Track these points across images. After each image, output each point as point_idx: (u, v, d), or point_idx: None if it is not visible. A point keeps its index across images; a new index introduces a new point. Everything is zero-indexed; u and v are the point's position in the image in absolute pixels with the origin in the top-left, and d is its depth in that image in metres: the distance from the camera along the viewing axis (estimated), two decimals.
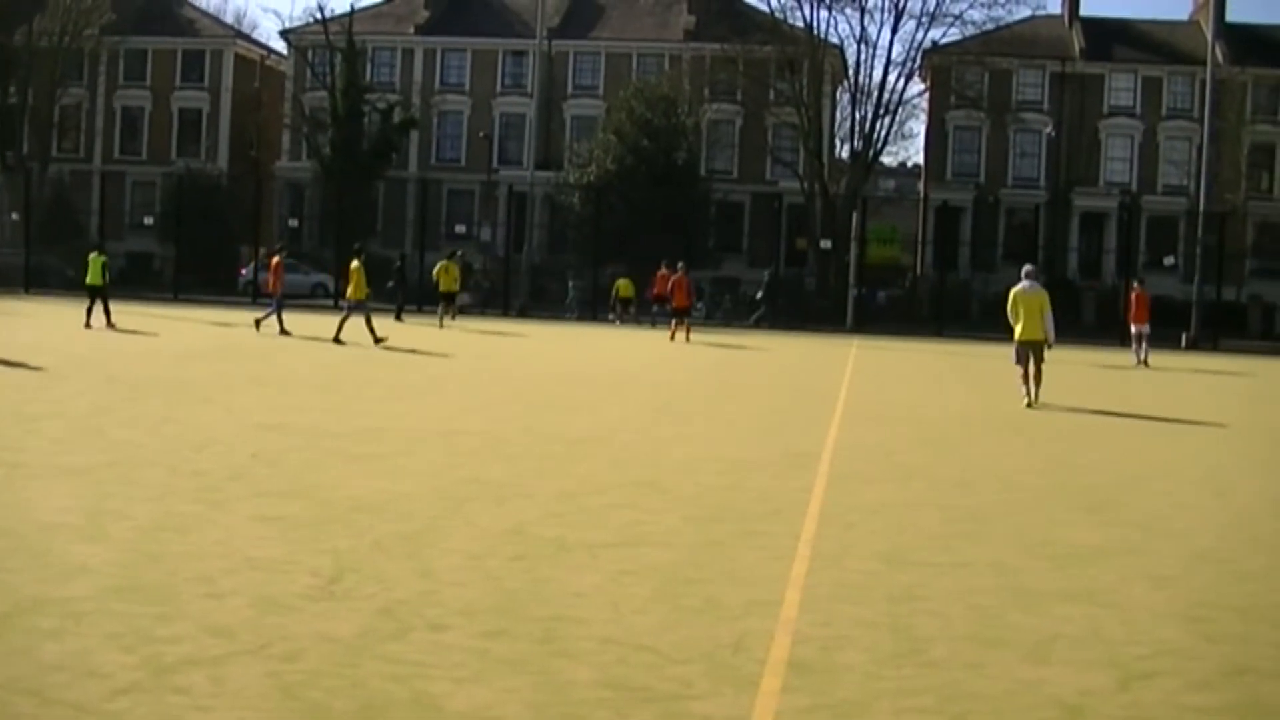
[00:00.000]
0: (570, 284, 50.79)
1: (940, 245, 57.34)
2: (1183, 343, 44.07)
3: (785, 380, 24.94)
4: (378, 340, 28.02)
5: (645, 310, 43.88)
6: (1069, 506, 10.98)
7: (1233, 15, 63.95)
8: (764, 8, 60.20)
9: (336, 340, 27.80)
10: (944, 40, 60.22)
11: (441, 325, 36.66)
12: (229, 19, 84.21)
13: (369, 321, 29.05)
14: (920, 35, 59.40)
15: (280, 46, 72.82)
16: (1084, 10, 68.86)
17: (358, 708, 5.25)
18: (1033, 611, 7.29)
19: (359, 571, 7.52)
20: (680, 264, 38.86)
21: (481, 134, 66.42)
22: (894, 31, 60.25)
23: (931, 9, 58.70)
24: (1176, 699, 5.87)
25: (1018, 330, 20.66)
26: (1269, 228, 62.10)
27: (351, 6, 65.59)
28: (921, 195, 65.77)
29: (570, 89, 68.21)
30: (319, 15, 63.75)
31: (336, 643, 6.09)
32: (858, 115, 59.98)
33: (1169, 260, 55.52)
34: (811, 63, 58.49)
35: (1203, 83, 55.48)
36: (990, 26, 59.31)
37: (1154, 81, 65.01)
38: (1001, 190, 64.62)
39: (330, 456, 11.87)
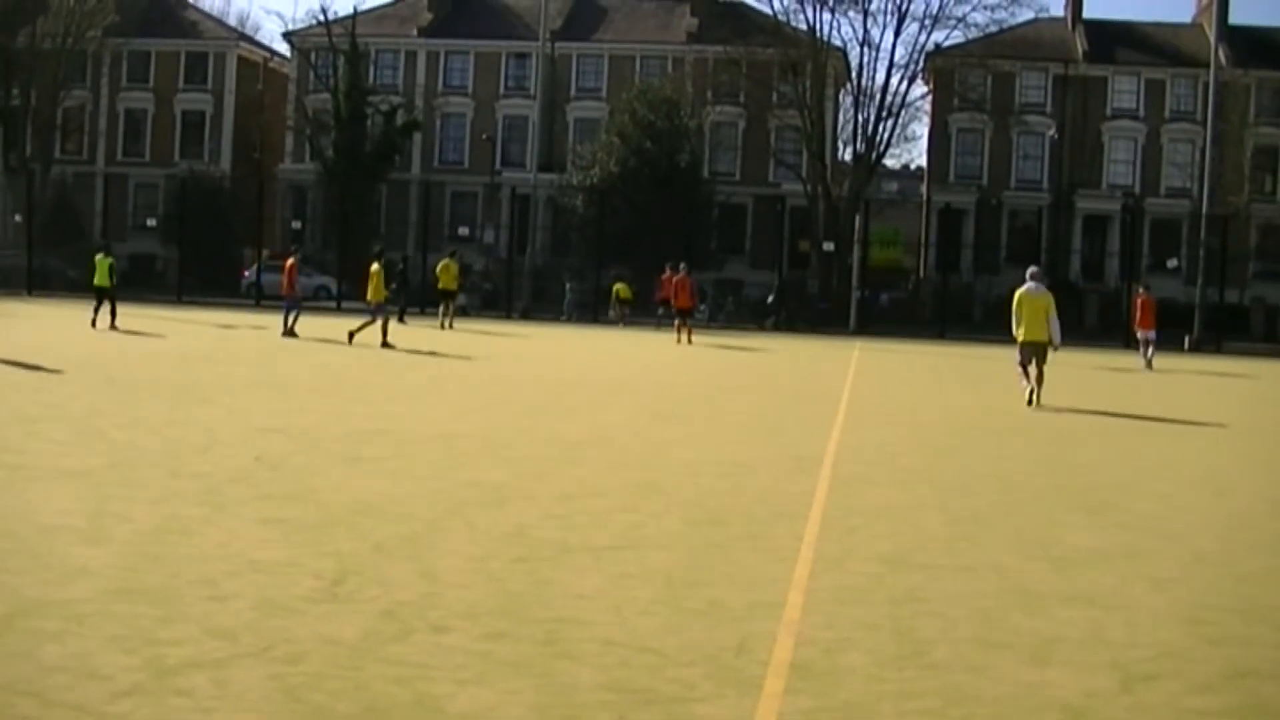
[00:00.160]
0: (568, 286, 50.78)
1: (943, 248, 57.31)
2: (1185, 345, 44.10)
3: (788, 382, 24.94)
4: (384, 344, 28.05)
5: (651, 313, 43.84)
6: (1070, 508, 10.97)
7: (1236, 17, 63.96)
8: (767, 10, 60.30)
9: (384, 345, 27.98)
10: (947, 43, 60.29)
11: (442, 327, 36.65)
12: (232, 21, 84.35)
13: (384, 324, 29.12)
14: (923, 38, 59.50)
15: (283, 48, 72.96)
16: (1087, 12, 68.91)
17: (360, 710, 5.25)
18: (1035, 614, 7.28)
19: (361, 574, 7.51)
20: (682, 265, 38.88)
21: (484, 136, 66.45)
22: (897, 34, 60.48)
23: (934, 11, 58.81)
24: (1179, 701, 5.87)
25: (1021, 331, 20.65)
26: (1272, 230, 62.10)
27: (354, 9, 65.82)
28: (924, 198, 65.76)
29: (573, 91, 68.25)
30: (322, 17, 63.89)
31: (339, 645, 6.08)
32: (860, 118, 60.03)
33: (1172, 263, 55.49)
34: (814, 65, 58.51)
35: (1206, 85, 55.54)
36: (993, 29, 59.34)
37: (1157, 84, 65.02)
38: (1004, 193, 64.63)
39: (332, 459, 11.87)
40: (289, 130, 68.90)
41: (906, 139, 65.60)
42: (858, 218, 52.21)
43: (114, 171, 67.57)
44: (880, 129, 59.17)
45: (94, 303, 31.50)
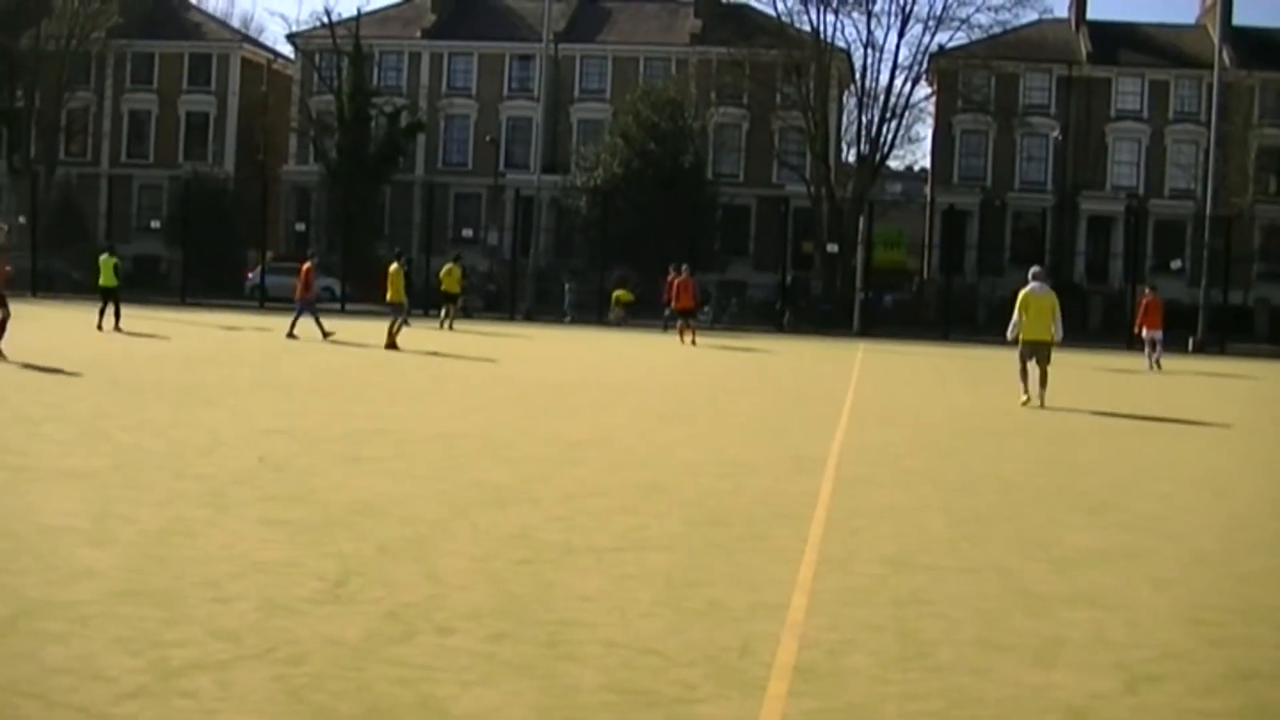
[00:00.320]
0: (567, 287, 50.78)
1: (947, 249, 57.36)
2: (1189, 346, 44.08)
3: (791, 383, 24.95)
4: (390, 345, 28.08)
5: (657, 314, 43.81)
6: (1072, 509, 10.97)
7: (1239, 19, 64.02)
8: (770, 12, 60.43)
9: (390, 346, 28.04)
10: (950, 44, 60.36)
11: (442, 328, 36.67)
12: (235, 23, 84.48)
13: (392, 326, 29.16)
14: (927, 39, 59.57)
15: (287, 50, 73.05)
16: (1090, 14, 68.91)
17: (364, 711, 5.25)
18: (1038, 615, 7.28)
19: (364, 575, 7.52)
20: (684, 266, 38.88)
21: (488, 138, 66.47)
22: (900, 35, 60.54)
23: (938, 13, 58.91)
24: (1183, 703, 5.87)
25: (1024, 331, 20.69)
26: (1276, 231, 62.11)
27: (358, 10, 65.81)
28: (928, 199, 65.82)
29: (577, 92, 68.31)
30: (326, 19, 64.04)
31: (342, 646, 6.09)
32: (864, 119, 60.09)
33: (1176, 264, 55.48)
34: (818, 66, 58.54)
35: (1209, 86, 55.57)
36: (997, 30, 59.40)
37: (1161, 85, 65.02)
38: (1008, 194, 64.64)
39: (335, 460, 11.88)
40: (293, 132, 68.99)
41: (910, 140, 65.70)
42: (861, 219, 52.19)
43: (118, 173, 67.67)
44: (884, 130, 59.25)
45: (99, 304, 31.55)
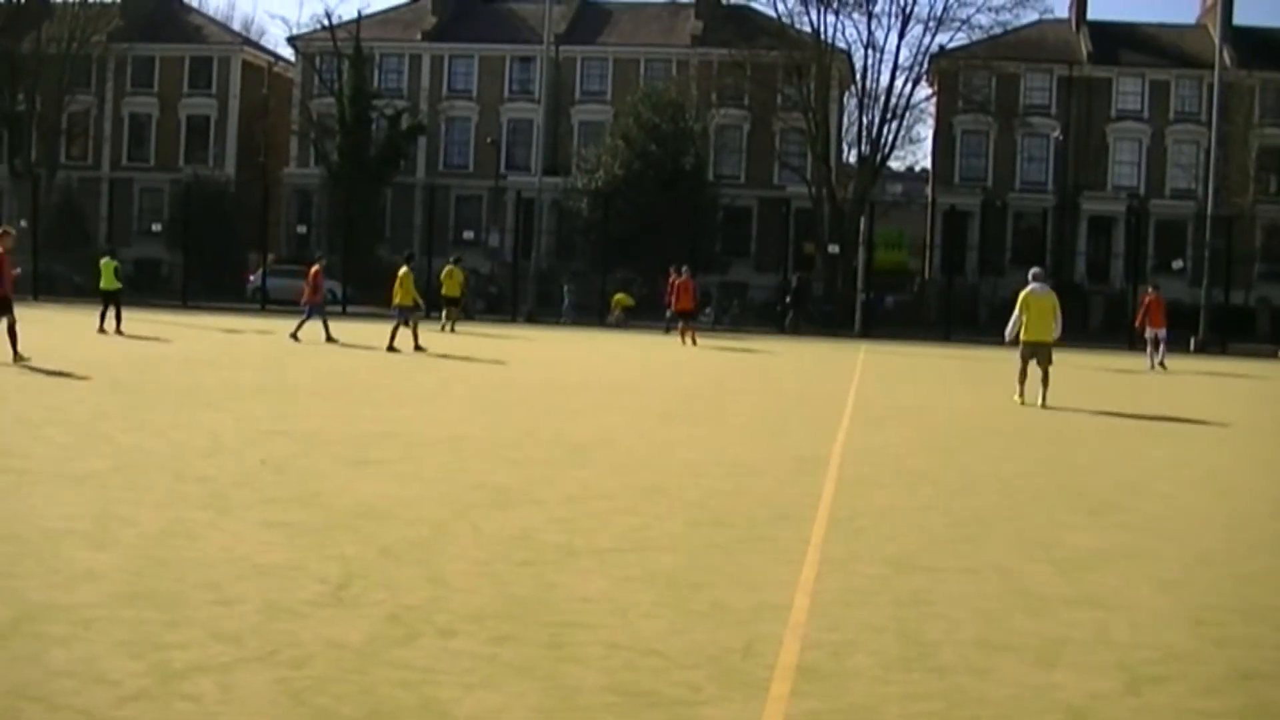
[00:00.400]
0: (565, 289, 50.74)
1: (948, 250, 57.32)
2: (1191, 346, 44.06)
3: (793, 384, 24.95)
4: (390, 347, 28.09)
5: (659, 316, 43.80)
6: (1073, 509, 10.97)
7: (1240, 18, 64.03)
8: (771, 13, 60.36)
9: (390, 348, 28.10)
10: (951, 45, 60.34)
11: (444, 330, 36.67)
12: (236, 26, 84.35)
13: (400, 327, 29.21)
14: (927, 40, 59.55)
15: (288, 53, 73.08)
16: (1091, 14, 68.91)
17: (366, 714, 5.26)
18: (1039, 616, 7.28)
19: (367, 577, 7.52)
20: (684, 267, 38.92)
21: (489, 140, 66.51)
22: (901, 36, 60.56)
23: (939, 14, 58.92)
24: (1185, 703, 5.87)
25: (1025, 332, 20.73)
26: (1277, 231, 62.12)
27: (359, 13, 65.79)
28: (929, 200, 65.80)
29: (578, 94, 68.34)
30: (326, 22, 63.95)
31: (345, 649, 6.09)
32: (865, 120, 60.09)
33: (1177, 264, 55.47)
34: (819, 68, 58.54)
35: (1210, 86, 55.53)
36: (997, 31, 59.39)
37: (1161, 85, 65.02)
38: (1009, 194, 64.65)
39: (337, 462, 11.88)
40: (293, 134, 69.02)
41: (911, 141, 65.68)
42: (862, 220, 52.18)
43: (119, 176, 67.68)
44: (885, 131, 59.25)
45: (100, 307, 31.60)
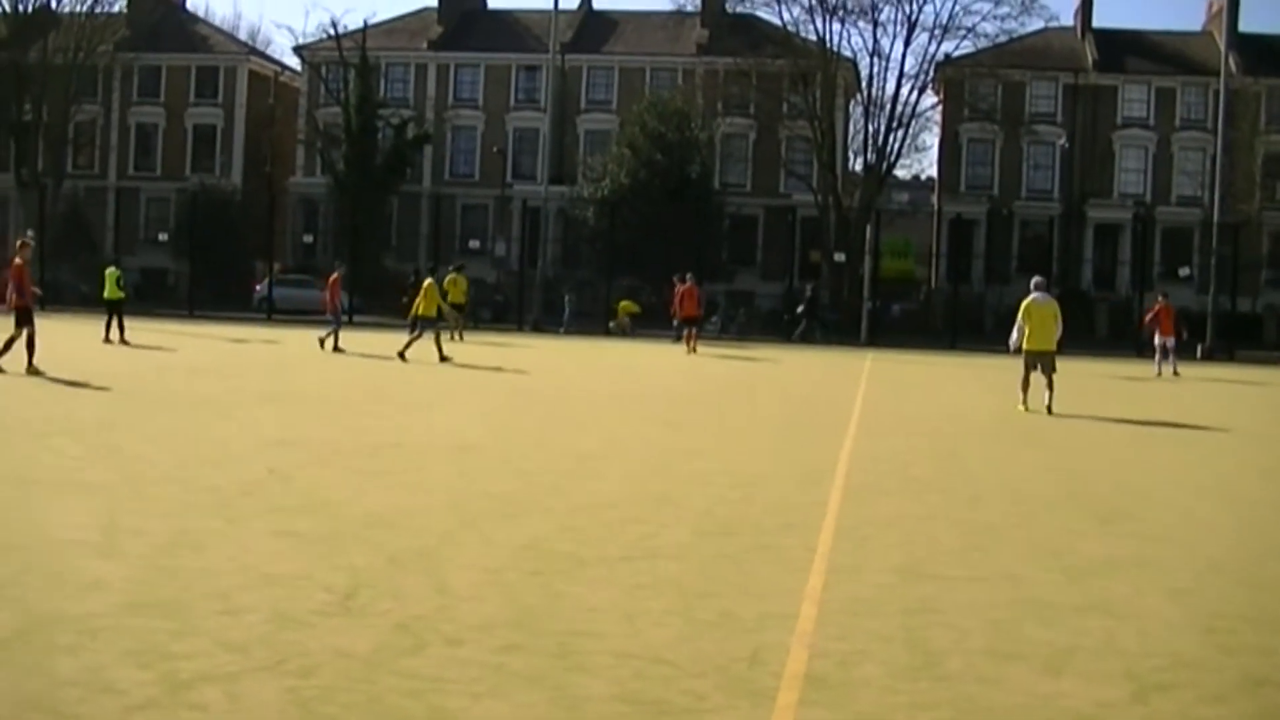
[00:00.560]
0: (566, 298, 50.78)
1: (954, 258, 57.32)
2: (1198, 353, 44.01)
3: (799, 393, 24.94)
4: (402, 355, 28.09)
5: (666, 325, 43.79)
6: (1082, 517, 10.96)
7: (1245, 25, 64.05)
8: (776, 21, 60.35)
9: (401, 356, 28.03)
10: (957, 53, 60.31)
11: (452, 339, 36.65)
12: (243, 35, 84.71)
13: (418, 337, 29.20)
14: (933, 48, 59.64)
15: (294, 62, 73.16)
16: (1096, 22, 68.86)
17: None
18: (1048, 624, 7.27)
19: (374, 587, 7.52)
20: (689, 275, 38.95)
21: (495, 149, 66.55)
22: (907, 44, 60.49)
23: (944, 21, 58.95)
24: (1193, 711, 5.86)
25: (1027, 341, 20.79)
26: None
27: (365, 22, 65.82)
28: (935, 208, 65.79)
29: (584, 103, 68.38)
30: (332, 31, 64.00)
31: (352, 658, 6.09)
32: (871, 128, 60.17)
33: (1184, 271, 55.43)
34: (824, 76, 58.57)
35: (1216, 93, 55.44)
36: (1003, 39, 59.46)
37: (1167, 92, 64.97)
38: (1015, 202, 64.60)
39: (344, 471, 11.88)
40: (300, 144, 69.06)
41: (917, 149, 65.97)
42: (868, 228, 52.17)
43: (125, 186, 67.67)
44: (890, 139, 59.26)
45: (105, 316, 31.71)
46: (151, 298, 54.00)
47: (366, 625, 6.70)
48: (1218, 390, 29.75)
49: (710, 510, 10.55)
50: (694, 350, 36.00)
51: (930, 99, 63.72)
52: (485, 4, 74.74)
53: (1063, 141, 64.40)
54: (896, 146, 59.64)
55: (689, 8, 65.33)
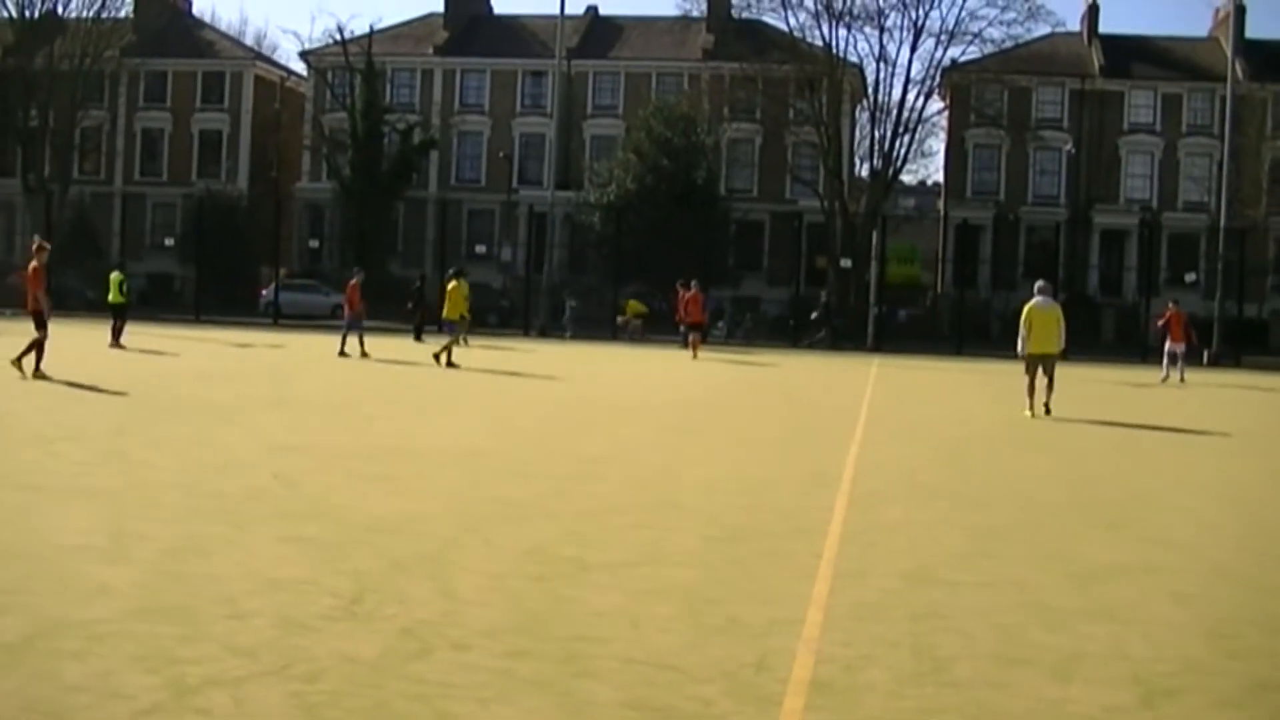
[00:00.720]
0: (567, 303, 50.78)
1: (960, 263, 57.34)
2: (1204, 359, 43.95)
3: (806, 398, 24.93)
4: (449, 363, 28.10)
5: (672, 331, 43.81)
6: (1089, 522, 10.94)
7: (1252, 31, 64.20)
8: (783, 27, 60.45)
9: (449, 365, 28.02)
10: (963, 58, 60.40)
11: (458, 344, 36.67)
12: (249, 41, 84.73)
13: (454, 342, 29.26)
14: (939, 53, 59.65)
15: (300, 68, 73.27)
16: (1103, 27, 68.87)
17: None
18: (1055, 629, 7.26)
19: (380, 592, 7.51)
20: (694, 281, 38.98)
21: (501, 154, 66.60)
22: (913, 50, 60.60)
23: (950, 27, 58.99)
24: (1200, 716, 5.85)
25: (1029, 344, 20.87)
26: None
27: (371, 28, 66.01)
28: (941, 213, 65.76)
29: (589, 109, 68.41)
30: (338, 37, 64.11)
31: (358, 663, 6.09)
32: (877, 134, 60.17)
33: (1190, 277, 55.37)
34: (830, 81, 58.61)
35: (1222, 99, 55.51)
36: (1009, 44, 59.43)
37: (1174, 98, 64.96)
38: (1021, 208, 64.59)
39: (350, 477, 11.87)
40: (306, 149, 69.14)
41: (923, 155, 65.77)
42: (875, 234, 52.20)
43: (131, 191, 67.78)
44: (897, 145, 59.28)
45: (110, 322, 31.80)
46: (158, 303, 54.07)
47: (372, 630, 6.70)
48: (1224, 396, 29.72)
49: (716, 515, 10.54)
50: (695, 355, 36.04)
51: (936, 104, 63.91)
52: (491, 9, 74.80)
53: (1069, 147, 64.40)
54: (903, 152, 59.72)
55: (695, 13, 65.35)
